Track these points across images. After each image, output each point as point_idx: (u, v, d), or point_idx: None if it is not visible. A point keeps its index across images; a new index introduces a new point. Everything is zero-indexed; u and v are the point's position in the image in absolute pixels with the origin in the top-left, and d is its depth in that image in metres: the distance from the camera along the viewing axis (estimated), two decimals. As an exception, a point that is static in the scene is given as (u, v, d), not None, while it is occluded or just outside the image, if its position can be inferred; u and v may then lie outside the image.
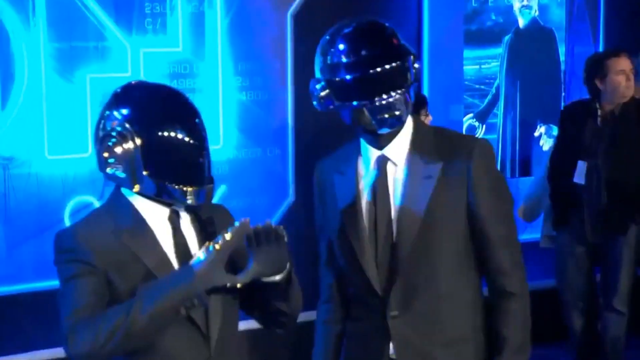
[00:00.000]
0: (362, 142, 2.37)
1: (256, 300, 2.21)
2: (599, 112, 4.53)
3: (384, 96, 2.19)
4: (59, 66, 4.39)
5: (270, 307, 2.19)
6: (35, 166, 4.33)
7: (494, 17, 5.62)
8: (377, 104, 2.21)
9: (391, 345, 2.31)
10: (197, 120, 2.18)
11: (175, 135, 2.13)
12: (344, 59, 2.23)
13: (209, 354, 2.13)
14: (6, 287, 4.25)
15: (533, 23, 5.69)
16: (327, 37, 2.30)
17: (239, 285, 2.07)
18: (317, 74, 2.32)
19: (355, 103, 2.21)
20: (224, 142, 4.82)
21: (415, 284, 2.31)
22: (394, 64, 2.21)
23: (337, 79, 2.24)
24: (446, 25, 5.44)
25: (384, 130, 2.25)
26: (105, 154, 2.09)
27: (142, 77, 4.52)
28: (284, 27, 4.85)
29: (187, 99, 2.25)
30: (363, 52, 2.25)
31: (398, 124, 2.25)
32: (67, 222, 4.42)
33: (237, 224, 2.01)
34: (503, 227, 2.34)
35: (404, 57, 2.24)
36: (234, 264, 2.10)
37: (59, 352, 3.87)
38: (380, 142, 2.30)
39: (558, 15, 5.76)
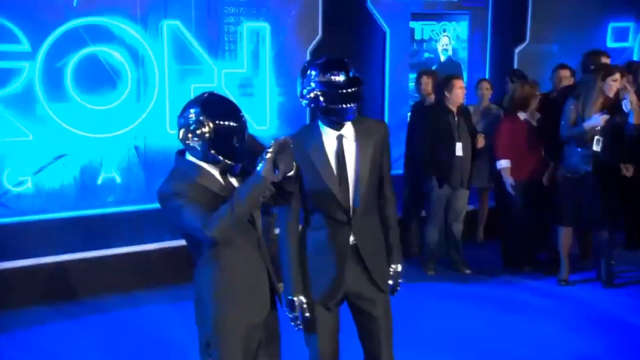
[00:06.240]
0: (321, 126, 2.83)
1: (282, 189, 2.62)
2: (454, 112, 5.72)
3: (353, 105, 2.75)
4: (176, 79, 5.74)
5: (283, 190, 2.63)
6: (161, 136, 5.74)
7: (426, 55, 7.08)
8: (349, 107, 2.74)
9: (351, 234, 2.90)
10: (241, 115, 2.55)
11: (226, 125, 2.51)
12: (339, 79, 2.73)
13: (255, 232, 2.67)
14: (146, 205, 5.61)
15: (449, 58, 7.19)
16: (321, 62, 2.78)
17: (277, 179, 2.47)
18: (310, 86, 2.75)
19: (345, 105, 2.74)
20: (269, 125, 6.16)
21: (366, 203, 2.89)
22: (359, 88, 2.76)
23: (332, 90, 2.71)
24: (399, 59, 6.76)
25: (347, 120, 2.81)
26: (189, 134, 2.51)
27: (224, 87, 5.78)
28: (305, 59, 6.05)
29: (235, 104, 2.64)
30: (349, 76, 2.75)
31: (353, 118, 2.82)
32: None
33: (274, 141, 2.42)
34: (389, 174, 2.94)
35: (361, 84, 2.78)
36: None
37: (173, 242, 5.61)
38: (338, 127, 2.82)
39: (463, 54, 7.25)
